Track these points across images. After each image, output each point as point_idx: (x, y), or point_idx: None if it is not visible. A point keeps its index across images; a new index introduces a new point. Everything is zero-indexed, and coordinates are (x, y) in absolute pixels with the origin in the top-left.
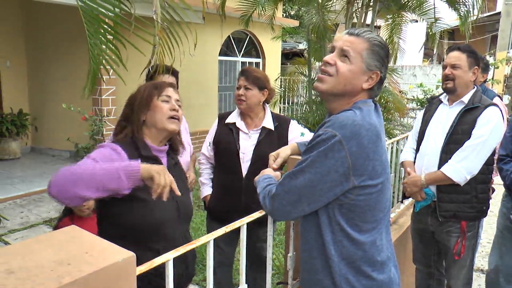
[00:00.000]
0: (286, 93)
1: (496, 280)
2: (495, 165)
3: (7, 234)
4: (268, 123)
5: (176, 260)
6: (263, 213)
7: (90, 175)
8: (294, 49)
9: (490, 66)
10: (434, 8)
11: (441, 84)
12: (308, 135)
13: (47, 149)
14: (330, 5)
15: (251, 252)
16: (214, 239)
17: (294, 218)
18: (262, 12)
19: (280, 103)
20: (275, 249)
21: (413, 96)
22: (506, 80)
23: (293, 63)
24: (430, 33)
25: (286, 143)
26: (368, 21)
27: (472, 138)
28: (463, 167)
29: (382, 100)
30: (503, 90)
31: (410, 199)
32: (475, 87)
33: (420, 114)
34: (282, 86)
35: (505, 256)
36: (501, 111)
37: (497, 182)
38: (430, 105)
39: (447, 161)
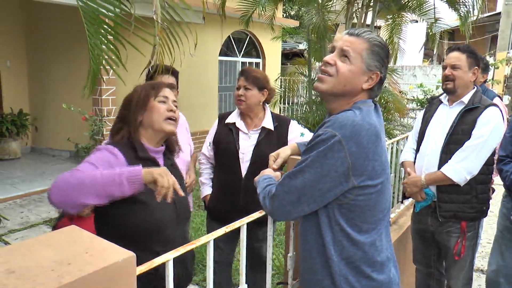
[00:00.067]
0: (286, 93)
1: (497, 281)
2: (495, 165)
3: (7, 234)
4: (268, 123)
5: (175, 260)
6: (263, 213)
7: (91, 182)
8: (294, 49)
9: (490, 67)
10: (434, 8)
11: (441, 84)
12: (308, 135)
13: (47, 149)
14: (330, 5)
15: (250, 252)
16: (214, 239)
17: (294, 218)
18: (262, 12)
19: (280, 103)
20: (275, 249)
21: (413, 97)
22: (506, 80)
23: (293, 63)
24: (430, 34)
25: (285, 143)
26: (368, 21)
27: (472, 138)
28: (463, 167)
29: (382, 101)
30: (503, 91)
31: (410, 199)
32: (475, 88)
33: (420, 114)
34: (282, 86)
35: (506, 257)
36: (501, 111)
37: (497, 182)
38: (430, 105)
39: (447, 162)
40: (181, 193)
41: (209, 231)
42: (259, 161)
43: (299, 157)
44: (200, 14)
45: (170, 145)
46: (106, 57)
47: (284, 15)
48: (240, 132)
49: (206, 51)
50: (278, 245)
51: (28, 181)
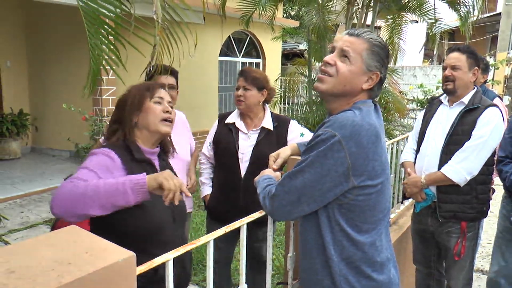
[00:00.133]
0: (287, 93)
1: (497, 281)
2: (495, 166)
3: (7, 234)
4: (268, 123)
5: (174, 260)
6: (263, 213)
7: (94, 193)
8: (295, 50)
9: (490, 67)
10: (434, 8)
11: (441, 85)
12: (308, 135)
13: (48, 149)
14: (330, 6)
15: (249, 252)
16: (214, 239)
17: (294, 218)
18: (263, 12)
19: (281, 103)
20: (275, 249)
21: (413, 97)
22: (506, 81)
23: (294, 63)
24: (430, 34)
25: (285, 143)
26: (369, 21)
27: (472, 138)
28: (463, 167)
29: (382, 101)
30: (503, 91)
31: (410, 199)
32: (475, 88)
33: (420, 115)
34: (282, 86)
35: (506, 258)
36: (501, 111)
37: (498, 182)
38: (430, 105)
39: (447, 162)
40: (189, 194)
41: (209, 231)
42: (258, 161)
43: (299, 157)
44: (200, 14)
45: (164, 146)
46: (106, 57)
47: (284, 15)
48: (239, 132)
49: (207, 51)
50: (278, 245)
51: (28, 181)
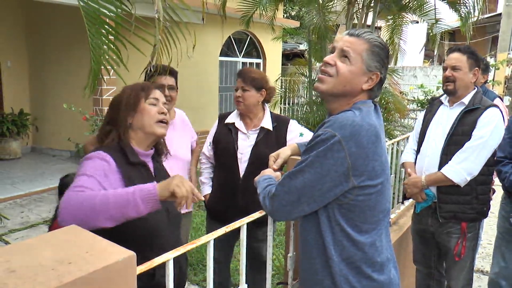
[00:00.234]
0: (287, 93)
1: (498, 282)
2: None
3: (7, 234)
4: (267, 124)
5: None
6: (263, 213)
7: (104, 205)
8: (295, 50)
9: (490, 67)
10: (435, 9)
11: (441, 85)
12: (307, 135)
13: (48, 149)
14: (331, 6)
15: (249, 252)
16: (214, 239)
17: (294, 218)
18: (263, 12)
19: (281, 103)
20: (275, 249)
21: (414, 97)
22: (506, 81)
23: (294, 63)
24: (431, 34)
25: (284, 143)
26: (369, 22)
27: (472, 139)
28: (463, 168)
29: (383, 101)
30: (503, 92)
31: (411, 200)
32: (476, 88)
33: (420, 115)
34: (283, 86)
35: (507, 259)
36: (501, 112)
37: (498, 183)
38: (431, 106)
39: (447, 162)
40: (201, 197)
41: (208, 231)
42: (257, 161)
43: (299, 158)
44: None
45: (158, 148)
46: (107, 57)
47: (285, 15)
48: (239, 132)
49: (207, 51)
50: (278, 246)
51: (29, 181)
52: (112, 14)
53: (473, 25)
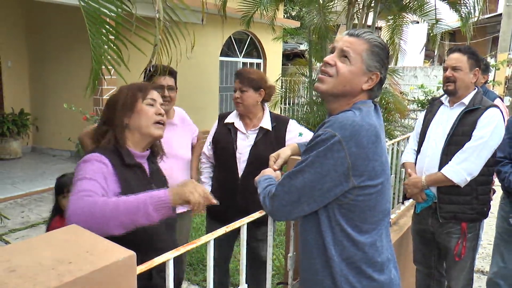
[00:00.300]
0: (287, 94)
1: (496, 282)
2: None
3: (7, 234)
4: (266, 124)
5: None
6: (263, 213)
7: (116, 213)
8: (295, 50)
9: (490, 67)
10: (435, 9)
11: (442, 85)
12: (307, 135)
13: (48, 149)
14: (331, 6)
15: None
16: (214, 239)
17: (294, 218)
18: (264, 12)
19: (281, 104)
20: (275, 249)
21: (414, 97)
22: (507, 81)
23: (294, 64)
24: (431, 34)
25: (283, 143)
26: (369, 22)
27: (472, 139)
28: (463, 168)
29: (383, 101)
30: (504, 92)
31: (411, 200)
32: (476, 89)
33: (421, 115)
34: (283, 87)
35: (506, 259)
36: (501, 112)
37: (498, 183)
38: (431, 106)
39: (447, 163)
40: (214, 201)
41: (208, 230)
42: (256, 161)
43: (300, 158)
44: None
45: (154, 149)
46: (108, 56)
47: (285, 15)
48: (238, 132)
49: (207, 51)
50: (278, 245)
51: (29, 181)
52: (112, 14)
53: (473, 26)
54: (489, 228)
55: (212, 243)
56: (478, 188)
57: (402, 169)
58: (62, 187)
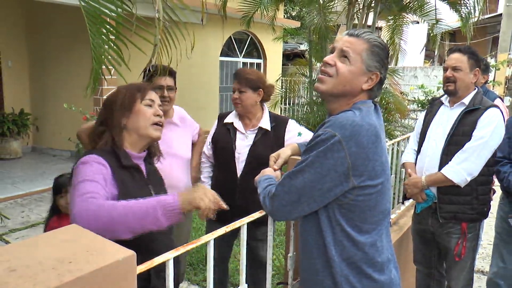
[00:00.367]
0: (287, 94)
1: (496, 283)
2: None
3: (7, 234)
4: (265, 124)
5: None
6: (263, 213)
7: (124, 217)
8: (295, 50)
9: (490, 68)
10: (435, 9)
11: (442, 85)
12: (306, 135)
13: (48, 149)
14: (331, 6)
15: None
16: (214, 239)
17: (294, 218)
18: (264, 12)
19: (281, 104)
20: (275, 249)
21: (414, 98)
22: (507, 81)
23: (294, 64)
24: (431, 35)
25: (282, 143)
26: (370, 22)
27: (472, 139)
28: (463, 168)
29: (383, 101)
30: (504, 92)
31: (411, 200)
32: (476, 89)
33: (421, 115)
34: (283, 87)
35: (505, 259)
36: (501, 112)
37: (498, 183)
38: (431, 106)
39: (447, 163)
40: (224, 206)
41: (208, 230)
42: (255, 161)
43: (300, 158)
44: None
45: (151, 150)
46: (109, 56)
47: (286, 15)
48: (237, 132)
49: (207, 51)
50: (278, 245)
51: (29, 181)
52: (113, 14)
53: (473, 26)
54: (489, 228)
55: (212, 243)
56: (478, 188)
57: (402, 169)
58: (60, 187)
